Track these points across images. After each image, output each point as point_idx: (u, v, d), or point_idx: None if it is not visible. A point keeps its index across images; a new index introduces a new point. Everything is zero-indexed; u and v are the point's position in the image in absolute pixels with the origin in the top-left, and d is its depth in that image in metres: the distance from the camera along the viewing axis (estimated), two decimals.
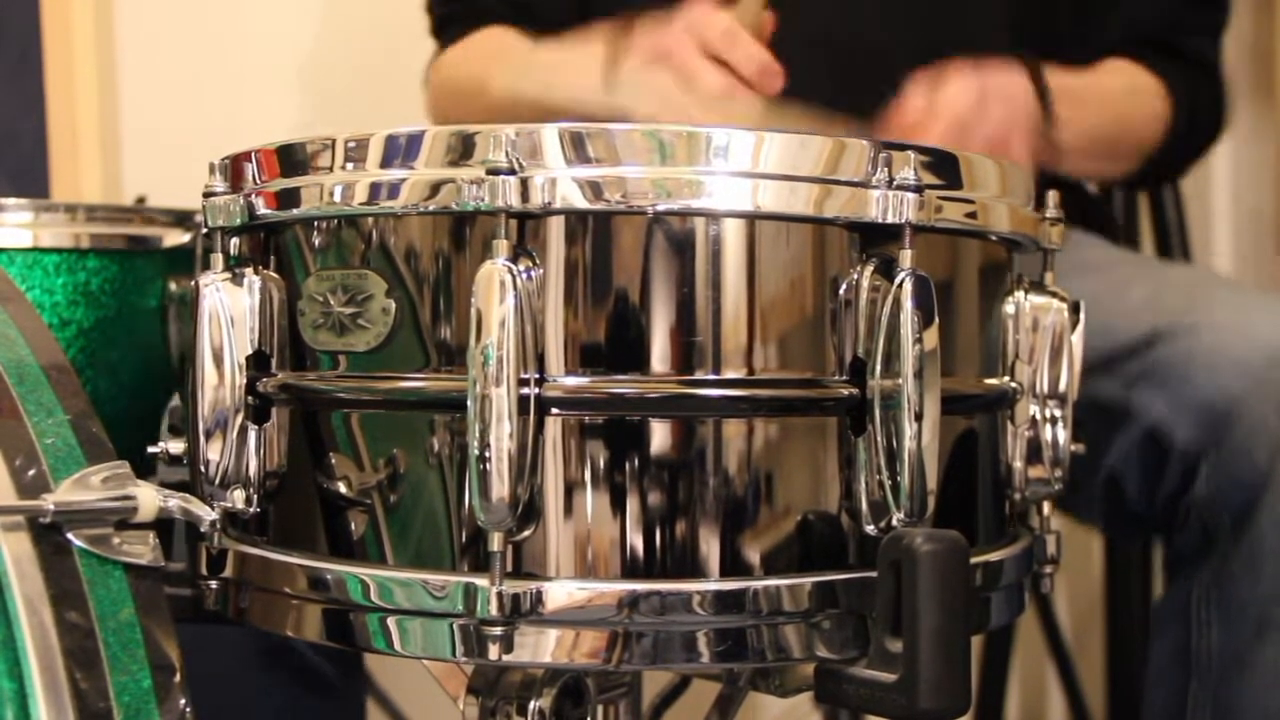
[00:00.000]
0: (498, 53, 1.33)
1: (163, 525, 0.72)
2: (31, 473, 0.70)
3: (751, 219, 0.71)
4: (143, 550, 0.71)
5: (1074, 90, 1.18)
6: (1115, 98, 1.27)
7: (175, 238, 1.09)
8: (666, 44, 1.05)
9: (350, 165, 0.73)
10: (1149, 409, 1.09)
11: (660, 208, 0.70)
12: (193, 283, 0.77)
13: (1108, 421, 1.09)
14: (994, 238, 0.81)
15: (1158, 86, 1.30)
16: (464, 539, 0.72)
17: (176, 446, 0.80)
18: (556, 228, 0.70)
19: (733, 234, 0.71)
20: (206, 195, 0.77)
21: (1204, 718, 1.08)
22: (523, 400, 0.68)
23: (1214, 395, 1.06)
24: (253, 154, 0.77)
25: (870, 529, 0.72)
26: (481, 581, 0.69)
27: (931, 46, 1.14)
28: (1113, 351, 1.10)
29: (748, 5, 1.09)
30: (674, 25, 1.06)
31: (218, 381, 0.76)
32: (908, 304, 0.70)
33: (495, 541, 0.68)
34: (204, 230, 0.78)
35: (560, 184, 0.69)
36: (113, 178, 1.73)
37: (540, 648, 0.70)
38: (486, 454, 0.67)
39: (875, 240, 0.73)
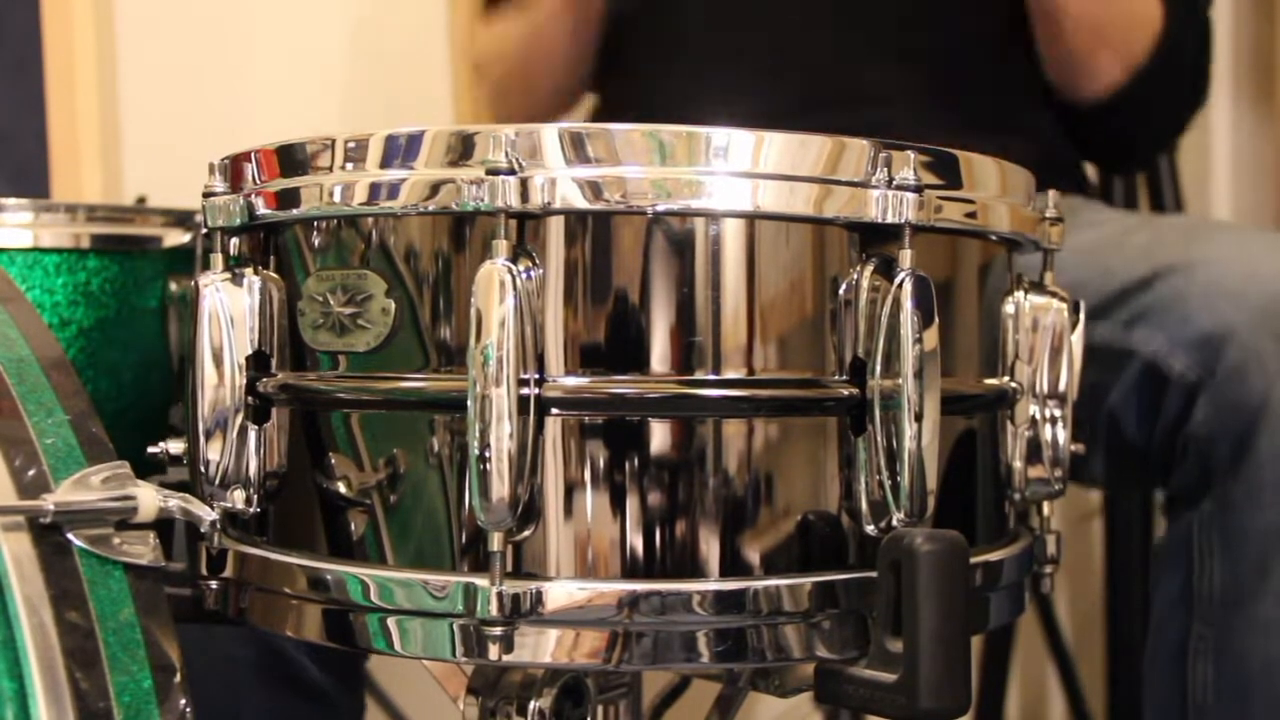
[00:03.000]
0: None
1: (163, 525, 0.72)
2: (31, 473, 0.70)
3: (751, 219, 0.71)
4: (143, 550, 0.71)
5: None
6: None
7: (175, 238, 1.09)
8: None
9: (350, 165, 0.74)
10: (1146, 345, 1.09)
11: (660, 208, 0.70)
12: (193, 283, 0.77)
13: (1108, 364, 1.09)
14: (994, 238, 0.81)
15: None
16: (464, 539, 0.72)
17: (176, 446, 0.80)
18: (556, 228, 0.70)
19: (732, 234, 0.71)
20: (206, 195, 0.77)
21: (1204, 662, 1.07)
22: (523, 400, 0.68)
23: (1210, 325, 1.06)
24: (252, 154, 0.77)
25: (870, 529, 0.72)
26: (481, 581, 0.69)
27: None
28: (1111, 294, 1.11)
29: None
30: None
31: (218, 382, 0.76)
32: (907, 304, 0.70)
33: (495, 541, 0.68)
34: (204, 230, 0.78)
35: (560, 184, 0.69)
36: (113, 178, 1.73)
37: (540, 648, 0.70)
38: (486, 454, 0.67)
39: (875, 240, 0.73)
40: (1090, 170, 1.47)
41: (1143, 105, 1.33)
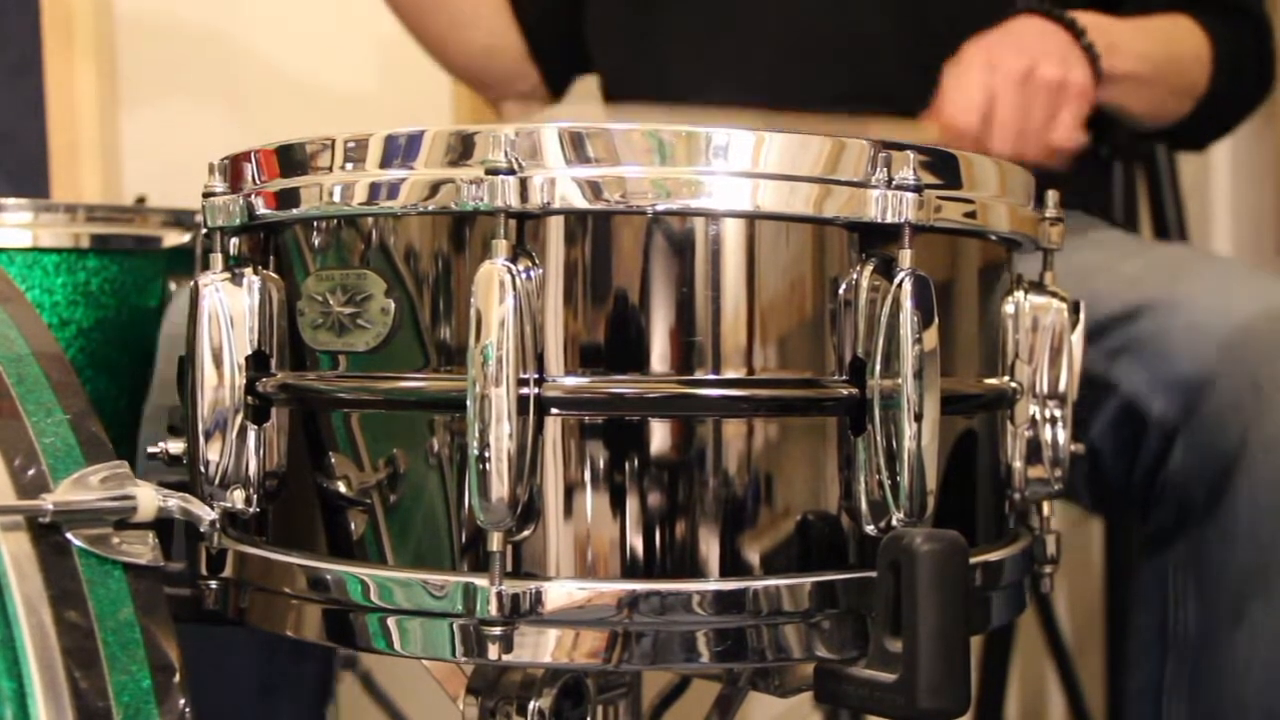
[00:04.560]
0: None
1: (162, 525, 0.72)
2: (31, 472, 0.70)
3: (751, 219, 0.71)
4: (142, 550, 0.71)
5: (1107, 22, 1.20)
6: (1155, 30, 1.28)
7: (175, 238, 1.09)
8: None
9: (350, 165, 0.73)
10: (1127, 382, 1.10)
11: (660, 208, 0.70)
12: (192, 283, 0.77)
13: (1091, 393, 1.10)
14: (993, 237, 0.81)
15: (1195, 26, 1.30)
16: (464, 539, 0.72)
17: (176, 446, 0.80)
18: (556, 228, 0.70)
19: (732, 234, 0.71)
20: (206, 195, 0.77)
21: (1180, 699, 1.07)
22: (522, 400, 0.68)
23: (1189, 369, 1.06)
24: (252, 154, 0.77)
25: (870, 529, 0.72)
26: (481, 581, 0.69)
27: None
28: (1098, 323, 1.11)
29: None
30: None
31: (217, 382, 0.76)
32: (907, 304, 0.70)
33: (495, 541, 0.68)
34: (204, 230, 0.78)
35: (560, 184, 0.69)
36: (113, 178, 1.73)
37: (540, 648, 0.70)
38: (486, 454, 0.67)
39: (875, 240, 0.72)
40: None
41: (1211, 114, 1.34)
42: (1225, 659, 1.04)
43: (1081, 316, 0.85)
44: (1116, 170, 1.56)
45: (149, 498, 0.71)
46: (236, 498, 0.76)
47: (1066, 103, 1.13)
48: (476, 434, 0.67)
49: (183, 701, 0.69)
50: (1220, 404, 1.04)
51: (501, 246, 0.69)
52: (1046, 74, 1.12)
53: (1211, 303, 1.10)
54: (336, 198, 0.73)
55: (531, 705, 0.79)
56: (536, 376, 0.69)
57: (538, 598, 0.69)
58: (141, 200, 1.22)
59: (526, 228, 0.70)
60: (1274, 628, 1.01)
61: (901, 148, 0.72)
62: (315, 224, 0.76)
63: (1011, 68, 1.11)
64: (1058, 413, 0.82)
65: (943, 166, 0.75)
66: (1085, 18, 1.18)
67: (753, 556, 0.72)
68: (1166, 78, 1.28)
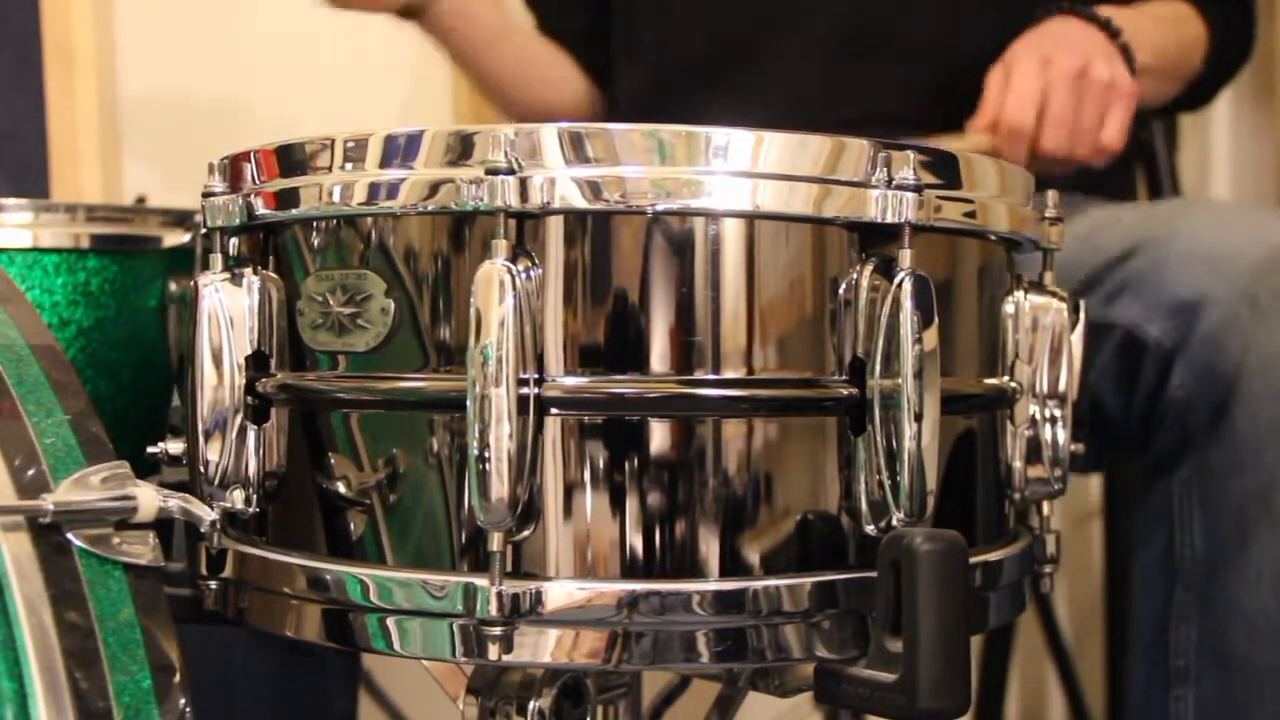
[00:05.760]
0: None
1: (163, 525, 0.72)
2: (31, 473, 0.70)
3: (751, 219, 0.71)
4: (143, 550, 0.71)
5: (1128, 16, 1.21)
6: (1163, 20, 1.29)
7: (175, 238, 1.09)
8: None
9: (349, 165, 0.73)
10: (1125, 315, 1.10)
11: (659, 208, 0.70)
12: (192, 283, 0.77)
13: (1090, 341, 1.10)
14: (993, 237, 0.81)
15: (1192, 12, 1.31)
16: (463, 539, 0.72)
17: (176, 447, 0.80)
18: (556, 228, 0.70)
19: (732, 234, 0.71)
20: (206, 195, 0.77)
21: (1189, 626, 1.07)
22: (522, 400, 0.68)
23: (1185, 291, 1.06)
24: (252, 154, 0.77)
25: (870, 529, 0.72)
26: (481, 581, 0.69)
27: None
28: (1097, 269, 1.11)
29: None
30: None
31: (217, 382, 0.76)
32: (907, 304, 0.70)
33: (495, 541, 0.68)
34: (203, 230, 0.78)
35: (559, 184, 0.69)
36: (113, 178, 1.73)
37: (540, 648, 0.70)
38: (486, 454, 0.67)
39: (875, 240, 0.72)
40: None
41: (1193, 93, 1.36)
42: (1234, 580, 1.04)
43: (1081, 316, 0.85)
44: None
45: (149, 498, 0.71)
46: (236, 498, 0.76)
47: (1116, 101, 1.14)
48: (476, 434, 0.67)
49: (183, 701, 0.69)
50: (1216, 324, 1.04)
51: (501, 246, 0.69)
52: (1099, 73, 1.12)
53: (1207, 233, 1.10)
54: (336, 198, 0.73)
55: (531, 705, 0.79)
56: (536, 376, 0.69)
57: (538, 598, 0.69)
58: (141, 200, 1.22)
59: (526, 228, 0.70)
60: None
61: (901, 148, 0.72)
62: (315, 224, 0.76)
63: (1066, 65, 1.12)
64: (1058, 412, 0.82)
65: (942, 166, 0.75)
66: (1107, 11, 1.19)
67: (753, 556, 0.72)
68: (1176, 67, 1.29)
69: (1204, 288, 1.05)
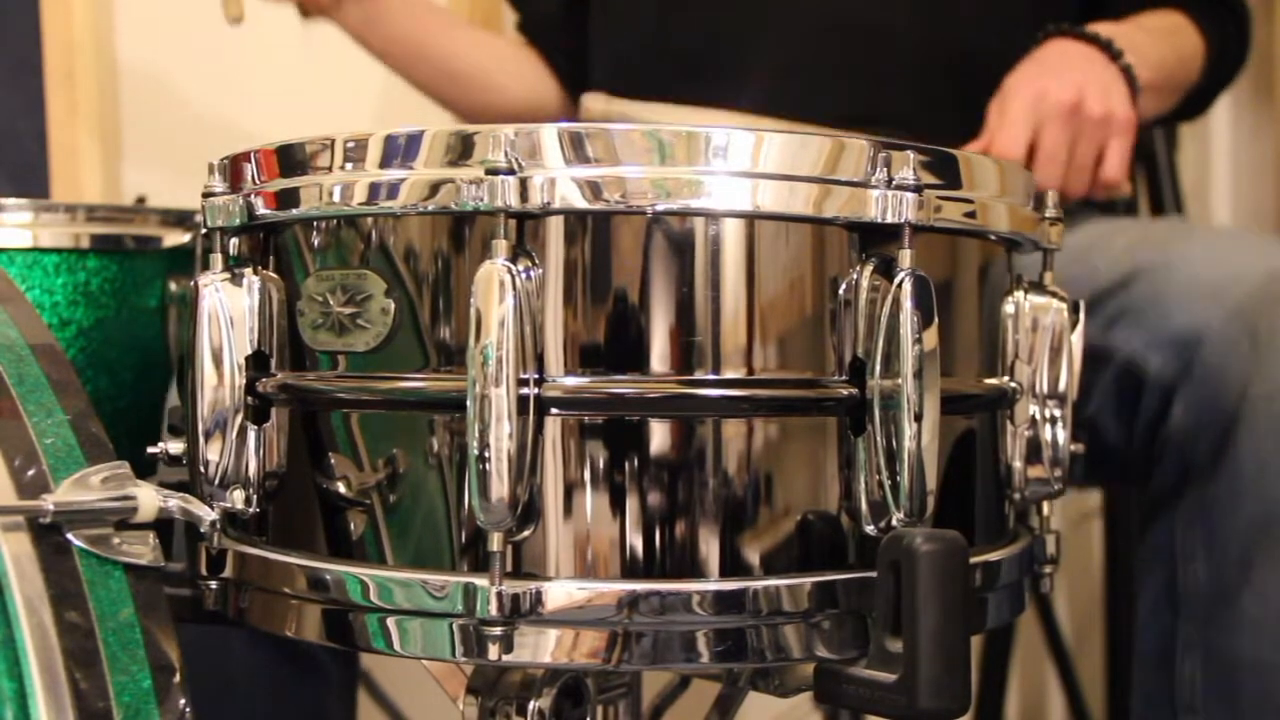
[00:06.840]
0: None
1: (163, 525, 0.72)
2: (31, 473, 0.70)
3: (751, 219, 0.71)
4: (143, 550, 0.71)
5: (1124, 33, 1.19)
6: (1162, 34, 1.28)
7: (175, 238, 1.09)
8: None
9: (349, 165, 0.74)
10: (1124, 345, 1.09)
11: (659, 208, 0.70)
12: (192, 283, 0.77)
13: (1089, 365, 1.10)
14: (993, 237, 0.81)
15: (1189, 25, 1.30)
16: (464, 539, 0.72)
17: (176, 447, 0.80)
18: (556, 228, 0.70)
19: (732, 234, 0.71)
20: (206, 195, 0.77)
21: (1194, 661, 1.07)
22: (522, 400, 0.68)
23: (1185, 324, 1.06)
24: (252, 154, 0.77)
25: (870, 529, 0.72)
26: (481, 581, 0.69)
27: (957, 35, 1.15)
28: (1095, 293, 1.11)
29: None
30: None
31: (217, 382, 0.76)
32: (907, 304, 0.70)
33: (495, 541, 0.68)
34: (203, 230, 0.78)
35: (559, 184, 0.69)
36: (113, 178, 1.73)
37: (540, 648, 0.70)
38: (486, 454, 0.67)
39: (875, 240, 0.73)
40: None
41: (1191, 102, 1.35)
42: (1238, 613, 1.03)
43: (1081, 316, 0.85)
44: None
45: (149, 498, 0.71)
46: (236, 498, 0.76)
47: (1114, 135, 1.12)
48: (476, 434, 0.67)
49: (183, 701, 0.69)
50: (1218, 357, 1.04)
51: (501, 246, 0.69)
52: (1093, 108, 1.10)
53: (1205, 262, 1.10)
54: (336, 198, 0.73)
55: (531, 705, 0.79)
56: (536, 376, 0.69)
57: (538, 598, 0.69)
58: (141, 200, 1.22)
59: (526, 228, 0.70)
60: None
61: (901, 148, 0.72)
62: (315, 224, 0.76)
63: (1058, 100, 1.10)
64: (1057, 413, 0.82)
65: (943, 166, 0.75)
66: (1108, 30, 1.17)
67: (753, 556, 0.72)
68: (1175, 81, 1.28)
69: (1203, 319, 1.05)
